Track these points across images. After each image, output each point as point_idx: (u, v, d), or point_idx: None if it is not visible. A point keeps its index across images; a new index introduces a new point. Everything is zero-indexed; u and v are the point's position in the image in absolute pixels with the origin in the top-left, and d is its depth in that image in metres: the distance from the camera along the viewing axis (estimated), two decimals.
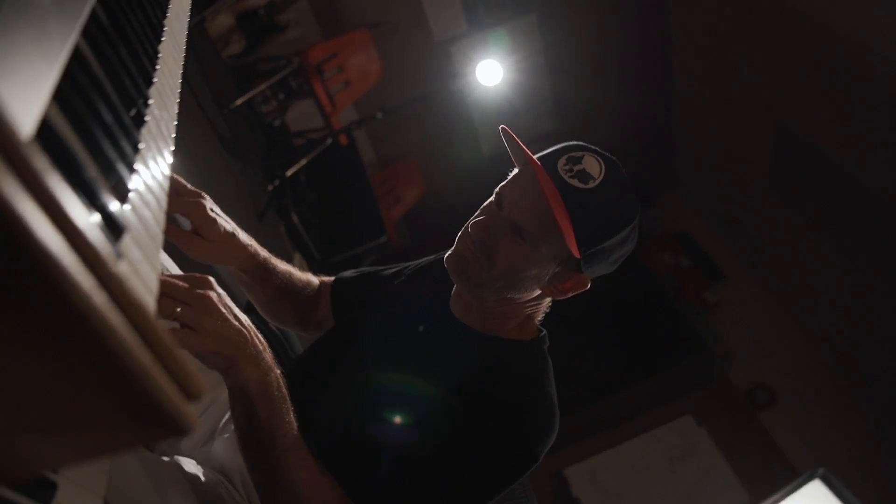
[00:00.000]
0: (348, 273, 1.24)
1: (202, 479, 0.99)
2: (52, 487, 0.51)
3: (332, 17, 4.17)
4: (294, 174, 3.46)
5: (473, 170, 4.51)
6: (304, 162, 3.48)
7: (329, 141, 3.61)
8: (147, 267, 0.49)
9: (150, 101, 0.64)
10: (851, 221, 3.58)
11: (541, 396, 0.94)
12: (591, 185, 0.87)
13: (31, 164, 0.29)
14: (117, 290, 0.33)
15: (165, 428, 0.35)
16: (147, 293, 0.42)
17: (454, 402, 0.91)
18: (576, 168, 0.88)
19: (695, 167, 5.21)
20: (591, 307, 4.25)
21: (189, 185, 0.99)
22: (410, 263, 1.20)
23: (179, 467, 0.96)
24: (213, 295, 0.76)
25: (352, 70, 3.65)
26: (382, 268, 1.24)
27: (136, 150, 0.54)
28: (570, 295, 0.95)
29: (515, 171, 0.97)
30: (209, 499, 0.95)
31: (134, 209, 0.51)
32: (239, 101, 3.24)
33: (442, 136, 4.71)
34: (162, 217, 0.58)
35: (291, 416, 0.85)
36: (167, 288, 0.73)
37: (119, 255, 0.40)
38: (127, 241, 0.45)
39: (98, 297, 0.30)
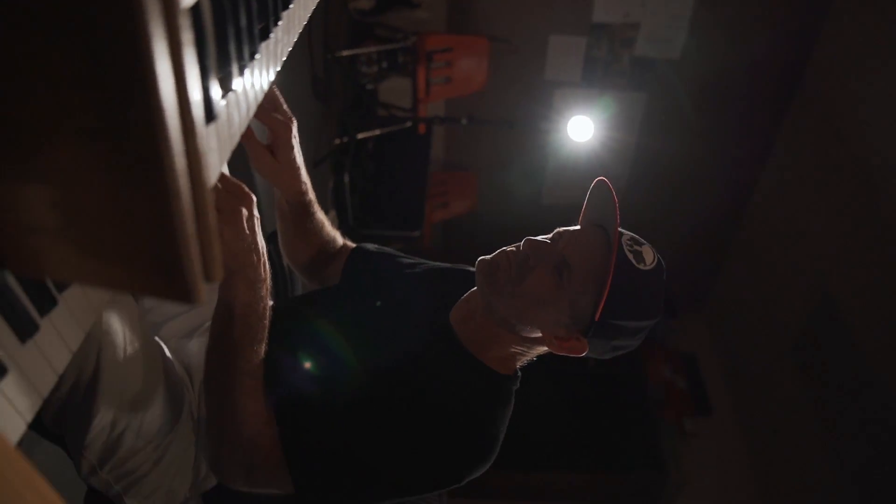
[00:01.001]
0: (371, 245, 1.28)
1: (174, 368, 1.04)
2: (52, 302, 0.55)
3: (463, 14, 4.26)
4: (364, 139, 3.54)
5: (525, 210, 4.55)
6: (377, 132, 3.56)
7: (409, 124, 3.68)
8: (217, 157, 0.54)
9: (280, 23, 0.70)
10: (863, 440, 3.44)
11: (488, 427, 0.97)
12: (642, 267, 0.92)
13: (180, 28, 0.33)
14: (194, 161, 0.37)
15: (178, 292, 0.39)
16: (210, 177, 0.47)
17: (411, 397, 0.94)
18: (635, 248, 0.94)
19: (729, 299, 5.17)
20: (575, 380, 4.26)
21: (285, 106, 1.04)
22: (431, 262, 1.24)
23: (161, 348, 1.01)
24: (244, 211, 0.81)
25: (458, 70, 3.72)
26: (403, 255, 1.28)
27: (252, 57, 0.60)
28: (563, 353, 0.98)
29: (577, 226, 1.01)
30: (175, 390, 1.00)
31: (228, 105, 0.56)
32: (345, 53, 3.34)
33: (511, 165, 4.75)
34: (245, 122, 0.63)
35: (261, 348, 0.90)
36: (219, 182, 0.79)
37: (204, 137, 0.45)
38: (212, 128, 0.50)
39: (180, 159, 0.35)
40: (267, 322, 0.90)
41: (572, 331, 0.96)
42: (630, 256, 0.92)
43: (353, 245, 1.29)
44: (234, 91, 0.57)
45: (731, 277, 5.13)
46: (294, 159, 1.06)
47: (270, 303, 0.91)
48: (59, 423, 0.90)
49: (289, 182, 1.09)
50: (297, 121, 1.05)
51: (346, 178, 3.48)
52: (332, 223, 1.31)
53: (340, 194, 3.56)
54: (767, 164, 4.61)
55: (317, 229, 1.21)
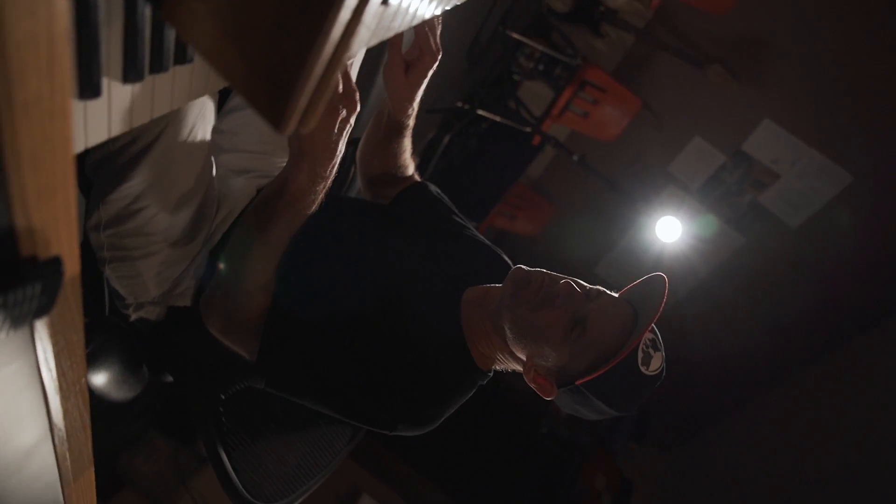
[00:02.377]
0: (433, 188, 1.31)
1: (213, 192, 1.09)
2: (188, 59, 0.58)
3: (633, 68, 4.23)
4: (482, 118, 3.56)
5: (576, 266, 4.53)
6: (497, 118, 3.58)
7: (528, 129, 3.69)
8: (367, 35, 0.57)
9: None
10: None
11: (441, 402, 1.00)
12: (644, 371, 0.94)
13: None
14: (354, 22, 0.40)
15: (273, 114, 0.43)
16: (353, 46, 0.50)
17: (393, 339, 0.98)
18: (650, 350, 0.95)
19: (703, 455, 5.07)
20: (521, 436, 4.25)
21: (439, 40, 1.08)
22: (478, 234, 1.26)
23: (212, 166, 1.07)
24: (343, 112, 0.84)
25: (599, 111, 3.72)
26: (458, 214, 1.30)
27: None
28: (533, 386, 1.00)
29: (616, 296, 1.02)
30: (205, 209, 1.06)
31: (401, 4, 0.59)
32: (515, 35, 3.36)
33: (589, 220, 4.73)
34: (404, 27, 0.66)
35: (292, 230, 0.93)
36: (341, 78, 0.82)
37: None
38: (381, 10, 0.53)
39: (346, 12, 0.38)
40: (308, 214, 0.93)
41: (551, 375, 0.98)
42: (640, 355, 0.93)
43: (418, 180, 1.32)
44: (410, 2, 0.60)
45: (720, 437, 5.02)
46: (419, 84, 1.09)
47: (320, 197, 0.95)
48: (96, 170, 0.96)
49: (402, 100, 1.12)
50: (440, 62, 1.08)
51: (446, 139, 3.52)
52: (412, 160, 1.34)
53: (432, 150, 3.61)
54: (825, 362, 4.48)
55: (399, 151, 1.24)
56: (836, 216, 4.05)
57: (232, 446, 1.22)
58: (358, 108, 0.86)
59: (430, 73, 1.08)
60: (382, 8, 0.53)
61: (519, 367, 1.04)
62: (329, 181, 0.91)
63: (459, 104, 3.48)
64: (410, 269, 1.09)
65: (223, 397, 1.22)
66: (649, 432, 4.93)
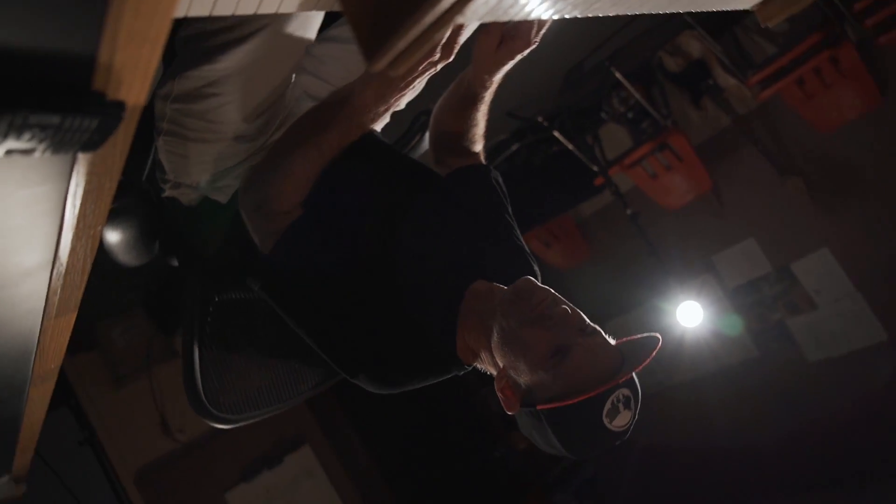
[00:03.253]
0: (496, 176, 1.29)
1: (284, 106, 1.12)
2: None
3: (718, 150, 4.16)
4: (554, 140, 3.55)
5: (589, 312, 4.48)
6: (570, 146, 3.57)
7: (594, 168, 3.67)
8: (475, 18, 0.57)
9: None
10: None
11: (410, 374, 1.01)
12: (606, 422, 0.93)
13: None
14: None
15: (371, 45, 0.43)
16: (460, 19, 0.50)
17: (393, 298, 1.00)
18: (619, 405, 0.93)
19: None
20: (475, 438, 4.25)
21: (541, 34, 1.07)
22: (520, 240, 1.25)
23: (291, 83, 1.09)
24: (436, 55, 0.86)
25: (669, 178, 3.68)
26: (510, 215, 1.28)
27: None
28: (499, 395, 1.00)
29: (613, 342, 1.01)
30: (275, 113, 1.09)
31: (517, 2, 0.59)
32: (617, 76, 3.33)
33: (618, 274, 4.68)
34: (518, 14, 0.66)
35: (342, 143, 0.96)
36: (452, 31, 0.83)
37: None
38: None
39: None
40: (361, 132, 0.95)
41: (519, 391, 0.97)
42: (608, 406, 0.92)
43: (482, 162, 1.31)
44: None
45: None
46: (503, 62, 1.08)
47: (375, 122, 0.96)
48: (185, 43, 0.98)
49: (484, 71, 1.11)
50: (532, 73, 1.07)
51: (514, 147, 3.52)
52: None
53: (497, 151, 3.61)
54: None
55: (470, 122, 1.24)
56: (856, 368, 3.95)
57: (206, 347, 1.24)
58: (450, 60, 0.87)
59: (519, 57, 1.07)
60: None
61: (495, 372, 1.04)
62: (391, 108, 0.94)
63: (540, 119, 3.46)
64: (434, 242, 1.10)
65: (216, 299, 1.24)
66: (593, 499, 4.88)
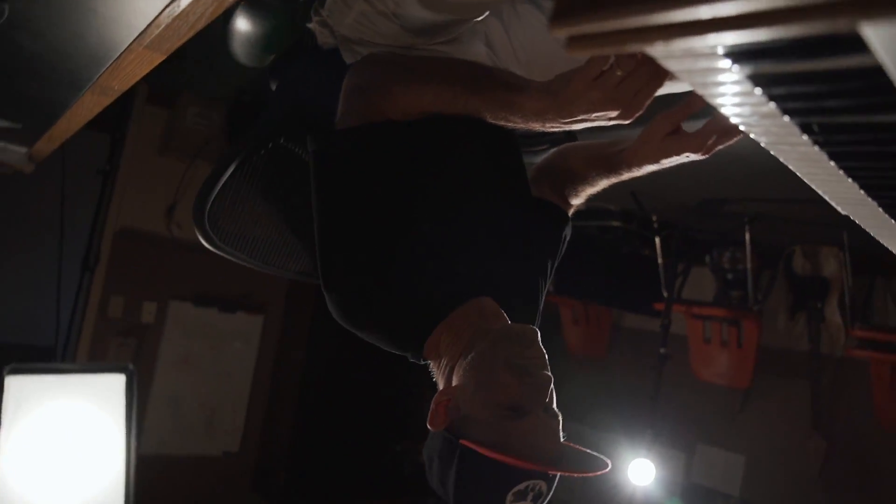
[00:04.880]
0: (568, 232, 1.24)
1: (468, 30, 1.09)
2: None
3: (775, 360, 3.98)
4: (652, 243, 3.45)
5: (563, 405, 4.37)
6: (658, 259, 3.46)
7: (665, 294, 3.55)
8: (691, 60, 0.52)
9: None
10: None
11: (370, 321, 0.99)
12: (509, 497, 0.86)
13: None
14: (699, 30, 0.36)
15: (563, 4, 0.39)
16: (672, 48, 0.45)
17: (405, 252, 0.96)
18: (530, 495, 0.87)
19: None
20: (386, 427, 4.23)
21: (714, 150, 0.99)
22: (542, 292, 1.19)
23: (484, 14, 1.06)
24: (615, 112, 0.81)
25: (718, 353, 3.56)
26: (552, 268, 1.22)
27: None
28: (433, 405, 0.94)
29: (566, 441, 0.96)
30: (452, 27, 1.06)
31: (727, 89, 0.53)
32: (745, 237, 3.20)
33: (609, 392, 4.56)
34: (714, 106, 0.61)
35: (472, 113, 0.92)
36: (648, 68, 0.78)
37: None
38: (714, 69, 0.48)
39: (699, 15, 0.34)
40: (495, 121, 0.90)
41: (452, 414, 0.92)
42: (521, 486, 0.86)
43: (570, 215, 1.25)
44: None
45: None
46: (666, 154, 0.99)
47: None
48: None
49: (643, 155, 1.02)
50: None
51: (613, 223, 3.43)
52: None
53: (592, 214, 3.53)
54: None
55: (594, 179, 1.17)
56: None
57: (240, 172, 1.24)
58: (626, 121, 0.81)
59: (682, 159, 0.99)
60: (731, 68, 0.47)
61: (442, 383, 1.00)
62: (532, 124, 0.88)
63: (654, 219, 3.36)
64: (478, 238, 1.05)
65: (280, 142, 1.23)
66: None
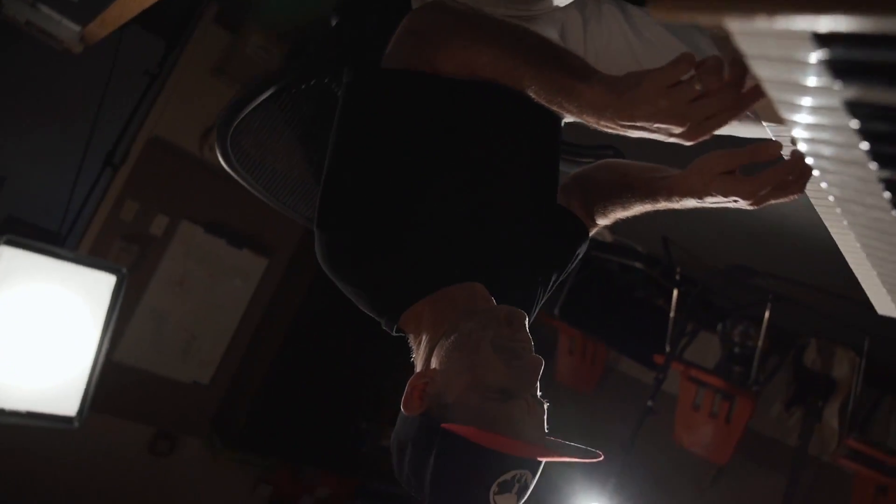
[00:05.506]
0: (583, 250, 1.16)
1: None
2: None
3: (760, 449, 3.87)
4: (668, 294, 3.37)
5: None
6: (671, 312, 3.37)
7: (668, 349, 3.46)
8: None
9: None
10: None
11: (358, 277, 0.92)
12: (493, 488, 0.79)
13: None
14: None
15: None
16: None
17: (411, 213, 0.91)
18: (516, 486, 0.80)
19: None
20: (357, 402, 4.19)
21: (767, 202, 0.92)
22: (537, 299, 1.11)
23: None
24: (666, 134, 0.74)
25: (704, 422, 3.47)
26: (556, 278, 1.14)
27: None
28: (409, 388, 0.87)
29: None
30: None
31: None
32: (766, 314, 3.10)
33: (586, 427, 4.46)
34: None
35: (521, 83, 0.85)
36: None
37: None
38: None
39: None
40: (549, 102, 0.83)
41: (429, 399, 0.85)
42: (507, 476, 0.79)
43: (590, 233, 1.17)
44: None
45: None
46: (715, 191, 0.90)
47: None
48: None
49: (691, 187, 0.93)
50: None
51: (636, 264, 3.35)
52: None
53: (619, 250, 3.45)
54: None
55: (628, 204, 1.09)
56: None
57: (276, 101, 1.20)
58: (689, 141, 0.74)
59: (729, 203, 0.91)
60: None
61: (419, 363, 0.93)
62: (586, 117, 0.80)
63: (678, 270, 3.27)
64: (491, 221, 0.98)
65: (325, 81, 1.18)
66: None
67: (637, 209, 1.08)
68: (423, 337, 0.92)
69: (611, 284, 3.71)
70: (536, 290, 1.06)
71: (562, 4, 1.06)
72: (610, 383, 4.56)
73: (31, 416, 2.16)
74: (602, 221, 1.17)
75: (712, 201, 0.93)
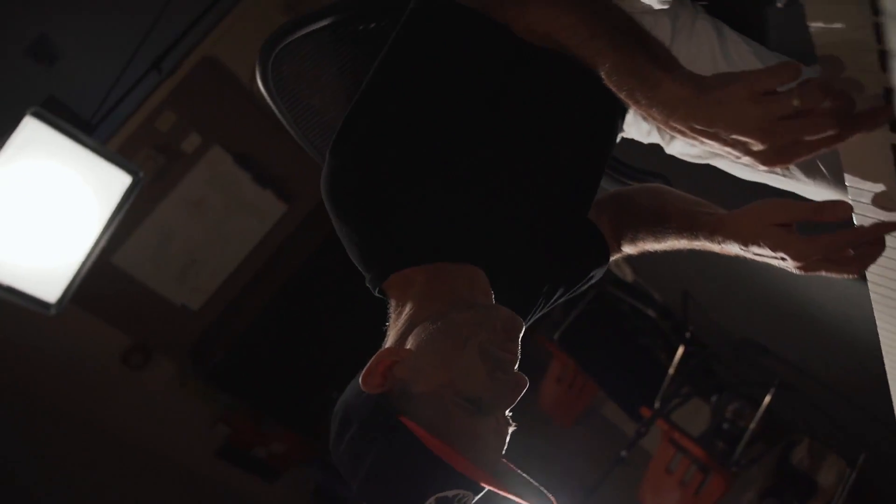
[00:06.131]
0: (598, 273, 1.06)
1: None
2: None
3: None
4: (672, 349, 3.26)
5: None
6: (670, 370, 3.26)
7: (658, 403, 3.36)
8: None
9: None
10: None
11: (356, 224, 0.84)
12: (430, 499, 0.71)
13: None
14: None
15: None
16: None
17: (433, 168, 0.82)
18: None
19: None
20: (327, 373, 4.14)
21: (816, 271, 0.82)
22: (535, 305, 1.02)
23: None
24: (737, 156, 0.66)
25: (675, 486, 3.35)
26: (561, 292, 1.04)
27: None
28: (374, 362, 0.79)
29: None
30: None
31: None
32: (768, 396, 2.98)
33: (550, 460, 4.37)
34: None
35: (589, 58, 0.76)
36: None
37: None
38: None
39: None
40: (618, 88, 0.74)
41: (391, 382, 0.77)
42: (450, 492, 0.71)
43: (610, 258, 1.07)
44: None
45: None
46: (766, 241, 0.80)
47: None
48: None
49: (738, 233, 0.84)
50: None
51: (649, 312, 3.25)
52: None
53: (636, 293, 3.35)
54: None
55: (661, 237, 0.99)
56: None
57: (331, 32, 1.13)
58: (776, 166, 0.64)
59: (776, 261, 0.81)
60: None
61: (392, 337, 0.84)
62: (653, 113, 0.71)
63: (690, 329, 3.16)
64: (508, 215, 0.88)
65: (381, 23, 1.11)
66: None
67: (670, 243, 0.99)
68: (407, 308, 0.83)
69: (618, 325, 3.60)
70: (538, 299, 0.97)
71: (655, 7, 0.97)
72: (589, 422, 4.45)
73: (9, 290, 2.12)
74: (628, 249, 1.07)
75: (757, 252, 0.83)
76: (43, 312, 2.21)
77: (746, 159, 0.66)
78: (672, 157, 1.15)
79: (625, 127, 1.13)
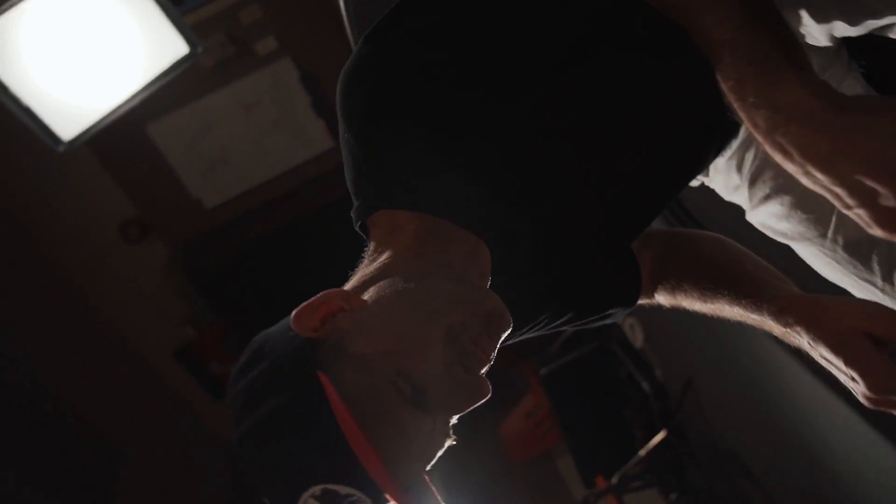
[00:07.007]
0: (619, 315, 0.91)
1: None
2: None
3: None
4: (653, 429, 3.08)
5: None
6: (642, 452, 3.09)
7: (615, 480, 3.19)
8: None
9: None
10: None
11: (375, 123, 0.68)
12: (314, 488, 0.57)
13: None
14: None
15: None
16: None
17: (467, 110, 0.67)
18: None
19: None
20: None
21: None
22: (532, 322, 0.87)
23: None
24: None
25: None
26: (567, 316, 0.90)
27: None
28: (323, 297, 0.65)
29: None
30: None
31: None
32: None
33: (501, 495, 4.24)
34: None
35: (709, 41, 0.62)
36: None
37: None
38: None
39: None
40: (724, 80, 0.60)
41: (330, 327, 0.63)
42: (343, 490, 0.57)
43: (634, 303, 0.91)
44: None
45: None
46: (825, 347, 0.66)
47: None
48: None
49: (822, 335, 0.67)
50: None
51: (643, 384, 3.08)
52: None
53: (637, 359, 3.18)
54: None
55: (707, 299, 0.84)
56: None
57: None
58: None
59: (843, 378, 0.66)
60: None
61: (354, 280, 0.69)
62: (759, 131, 0.57)
63: (678, 417, 2.97)
64: (562, 194, 0.72)
65: None
66: None
67: (717, 307, 0.82)
68: (384, 256, 0.69)
69: (609, 386, 3.43)
70: (541, 315, 0.82)
71: (818, 44, 0.80)
72: (540, 469, 4.29)
73: (27, 112, 2.03)
74: (662, 298, 0.91)
75: (823, 356, 0.67)
76: (52, 146, 2.12)
77: (863, 213, 0.50)
78: (747, 225, 0.98)
79: (711, 173, 0.97)
